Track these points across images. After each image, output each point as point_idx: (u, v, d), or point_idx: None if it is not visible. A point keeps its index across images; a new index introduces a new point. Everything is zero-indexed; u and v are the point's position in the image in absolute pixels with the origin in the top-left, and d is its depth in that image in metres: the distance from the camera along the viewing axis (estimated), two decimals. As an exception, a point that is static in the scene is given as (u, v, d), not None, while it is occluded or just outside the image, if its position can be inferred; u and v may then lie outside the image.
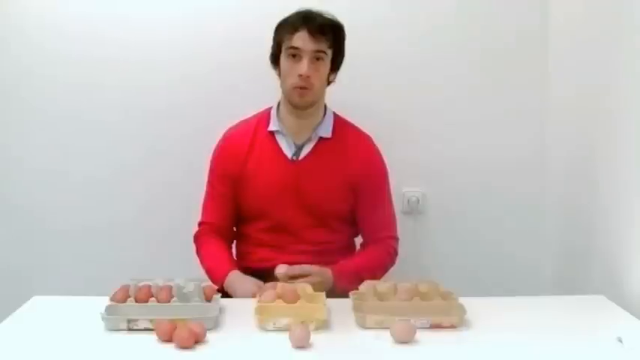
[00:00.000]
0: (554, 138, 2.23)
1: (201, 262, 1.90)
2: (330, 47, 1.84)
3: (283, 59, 1.86)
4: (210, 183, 1.94)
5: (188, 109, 2.24)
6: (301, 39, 1.81)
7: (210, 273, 1.83)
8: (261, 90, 2.16)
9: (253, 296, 1.59)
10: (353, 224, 1.96)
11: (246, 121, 1.97)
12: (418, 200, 2.31)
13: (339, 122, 1.96)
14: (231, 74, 2.23)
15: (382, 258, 1.91)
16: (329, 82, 1.92)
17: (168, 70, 2.25)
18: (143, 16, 2.24)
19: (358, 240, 2.01)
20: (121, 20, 2.23)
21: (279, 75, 1.89)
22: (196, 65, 2.24)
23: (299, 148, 1.91)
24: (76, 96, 2.26)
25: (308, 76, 1.81)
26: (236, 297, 1.72)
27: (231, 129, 1.98)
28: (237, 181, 1.91)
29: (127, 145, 2.28)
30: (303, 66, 1.81)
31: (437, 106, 2.29)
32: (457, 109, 2.29)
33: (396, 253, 1.94)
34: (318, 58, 1.82)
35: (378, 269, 1.88)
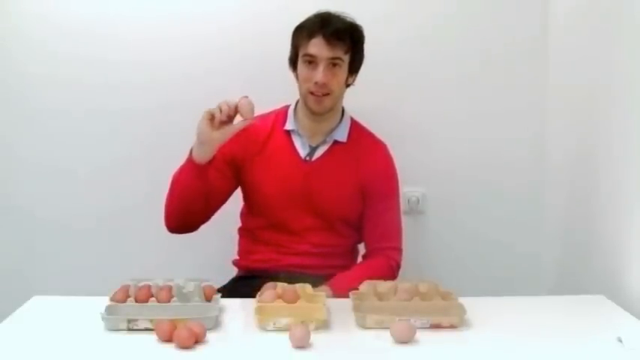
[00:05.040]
0: (554, 138, 2.23)
1: (170, 188, 1.80)
2: (346, 52, 1.83)
3: (300, 64, 1.86)
4: (215, 158, 1.92)
5: (190, 106, 2.23)
6: (317, 46, 1.81)
7: (176, 174, 1.77)
8: (263, 90, 2.16)
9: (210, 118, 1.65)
10: (359, 230, 1.96)
11: (263, 116, 1.96)
12: (418, 200, 2.32)
13: (356, 128, 1.97)
14: (232, 73, 2.23)
15: (383, 273, 1.84)
16: (348, 85, 1.92)
17: (168, 68, 2.25)
18: (143, 15, 2.24)
19: (361, 247, 2.01)
20: (120, 19, 2.23)
21: (297, 79, 1.89)
22: (197, 64, 2.24)
23: (313, 150, 1.92)
24: (76, 95, 2.26)
25: (324, 83, 1.81)
26: (202, 145, 1.70)
27: None
28: (243, 168, 1.90)
29: (127, 144, 2.28)
30: (319, 73, 1.81)
31: (437, 105, 2.29)
32: (457, 109, 2.30)
33: (398, 267, 1.92)
34: (334, 65, 1.82)
35: None
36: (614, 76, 1.78)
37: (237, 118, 1.70)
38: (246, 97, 1.66)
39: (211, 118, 1.66)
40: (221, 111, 1.65)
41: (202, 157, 1.72)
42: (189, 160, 1.74)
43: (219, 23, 2.24)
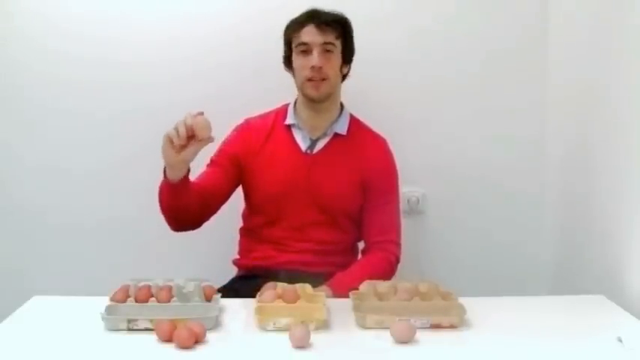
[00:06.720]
0: (554, 137, 2.23)
1: (158, 202, 1.79)
2: (337, 38, 1.88)
3: (295, 57, 1.89)
4: (215, 154, 1.92)
5: (191, 106, 2.22)
6: (309, 33, 1.85)
7: (159, 190, 1.76)
8: (263, 89, 2.17)
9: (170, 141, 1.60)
10: (359, 225, 1.96)
11: (264, 115, 1.99)
12: (418, 200, 2.32)
13: (356, 122, 1.99)
14: (232, 74, 2.23)
15: (383, 268, 1.87)
16: (344, 77, 1.94)
17: (170, 68, 2.25)
18: (142, 15, 2.24)
19: (360, 244, 2.01)
20: (121, 20, 2.23)
21: (294, 75, 1.92)
22: (198, 64, 2.24)
23: (314, 142, 1.93)
24: (76, 95, 2.26)
25: (320, 67, 1.84)
26: (170, 167, 1.68)
27: (250, 119, 1.99)
28: (245, 166, 1.92)
29: (127, 143, 2.28)
30: (314, 58, 1.84)
31: (437, 105, 2.30)
32: (457, 109, 2.30)
33: (397, 261, 1.92)
34: (327, 50, 1.86)
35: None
36: (614, 76, 1.78)
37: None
38: (201, 113, 1.61)
39: (172, 141, 1.62)
40: (178, 134, 1.60)
41: (175, 175, 1.70)
42: (165, 180, 1.73)
43: (219, 23, 2.24)
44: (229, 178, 1.92)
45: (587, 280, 1.92)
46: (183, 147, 1.62)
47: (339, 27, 1.88)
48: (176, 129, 1.60)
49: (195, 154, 1.65)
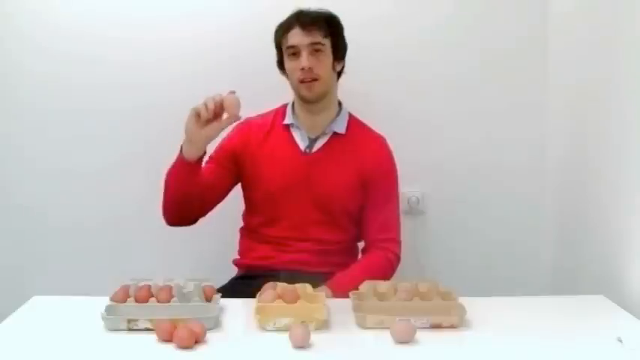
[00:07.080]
0: (554, 137, 2.23)
1: (164, 185, 1.80)
2: (326, 37, 1.88)
3: (286, 60, 1.90)
4: (214, 151, 1.93)
5: (189, 107, 2.25)
6: (295, 36, 1.86)
7: (169, 172, 1.77)
8: (262, 90, 2.17)
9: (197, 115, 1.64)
10: (359, 224, 1.96)
11: (264, 114, 2.01)
12: (418, 200, 2.32)
13: (354, 121, 1.99)
14: (231, 73, 2.23)
15: (383, 268, 1.88)
16: (339, 74, 1.95)
17: (168, 68, 2.25)
18: (142, 15, 2.24)
19: (360, 245, 2.01)
20: (121, 19, 2.24)
21: (288, 78, 1.93)
22: (197, 64, 2.25)
23: (312, 142, 1.93)
24: (75, 95, 2.26)
25: (310, 68, 1.84)
26: (190, 143, 1.70)
27: (249, 118, 1.99)
28: (244, 165, 1.92)
29: (127, 143, 2.28)
30: (303, 60, 1.84)
31: (437, 105, 2.30)
32: (457, 109, 2.30)
33: (398, 259, 1.92)
34: (317, 50, 1.86)
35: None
36: (613, 76, 1.78)
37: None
38: (233, 92, 1.65)
39: (198, 115, 1.66)
40: (207, 109, 1.64)
41: (192, 154, 1.72)
42: (180, 158, 1.74)
43: (219, 23, 2.24)
44: (227, 175, 1.92)
45: (586, 280, 1.92)
46: (207, 122, 1.65)
47: (325, 25, 1.88)
48: (205, 104, 1.63)
49: (218, 131, 1.69)
